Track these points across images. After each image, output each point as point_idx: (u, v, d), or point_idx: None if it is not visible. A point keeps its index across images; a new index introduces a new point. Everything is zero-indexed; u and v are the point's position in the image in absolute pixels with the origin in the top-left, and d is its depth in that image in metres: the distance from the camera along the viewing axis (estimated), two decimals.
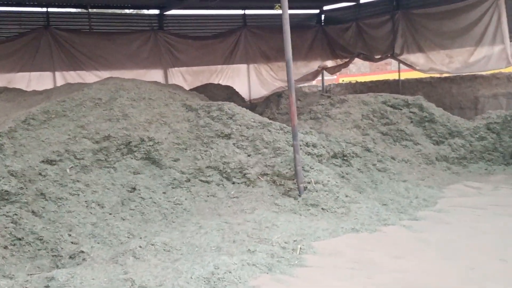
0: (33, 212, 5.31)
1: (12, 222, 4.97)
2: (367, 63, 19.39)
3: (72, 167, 6.08)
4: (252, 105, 11.86)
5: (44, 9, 10.94)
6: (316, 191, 6.18)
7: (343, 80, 18.72)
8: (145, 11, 12.83)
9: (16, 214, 5.06)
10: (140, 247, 4.82)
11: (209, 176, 6.69)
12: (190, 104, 7.53)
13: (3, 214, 4.98)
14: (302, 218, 5.78)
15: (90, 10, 11.50)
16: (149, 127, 6.83)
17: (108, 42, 11.49)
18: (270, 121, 7.41)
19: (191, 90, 10.95)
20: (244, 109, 7.55)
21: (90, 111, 6.69)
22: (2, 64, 10.22)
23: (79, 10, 11.54)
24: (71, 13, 11.53)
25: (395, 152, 8.13)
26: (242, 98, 12.69)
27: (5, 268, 4.41)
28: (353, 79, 17.25)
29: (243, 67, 13.89)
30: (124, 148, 6.52)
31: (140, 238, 5.26)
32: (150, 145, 6.62)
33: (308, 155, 6.98)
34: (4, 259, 4.55)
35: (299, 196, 6.21)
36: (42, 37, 10.74)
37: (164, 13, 12.50)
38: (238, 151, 6.92)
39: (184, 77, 12.75)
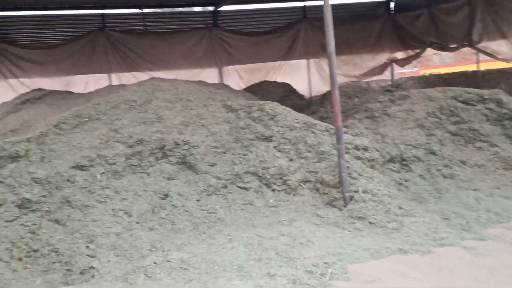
0: (56, 220, 5.11)
1: (29, 232, 4.77)
2: (451, 53, 17.73)
3: (103, 172, 5.84)
4: (308, 103, 11.13)
5: (100, 11, 11.05)
6: (364, 202, 5.40)
7: (424, 73, 17.20)
8: (199, 8, 12.57)
9: (34, 224, 4.87)
10: (155, 263, 4.40)
11: (247, 182, 6.15)
12: (231, 104, 7.03)
13: (22, 224, 4.80)
14: (344, 233, 5.05)
15: (144, 10, 11.44)
16: (184, 130, 6.44)
17: (162, 42, 11.39)
18: (316, 121, 6.69)
19: (245, 88, 10.50)
20: (288, 109, 6.90)
21: (124, 114, 6.43)
22: (60, 67, 10.47)
23: (133, 10, 11.53)
24: (125, 14, 11.56)
25: (466, 156, 7.03)
26: (301, 96, 12.01)
27: (12, 283, 4.19)
28: (435, 71, 15.78)
29: (302, 62, 13.18)
30: (158, 152, 6.18)
31: (163, 251, 4.85)
32: (185, 149, 6.22)
33: (358, 159, 6.18)
34: (14, 273, 4.34)
35: (344, 207, 5.47)
36: (98, 39, 10.86)
37: (218, 9, 12.15)
38: (279, 155, 6.31)
39: (240, 75, 12.34)
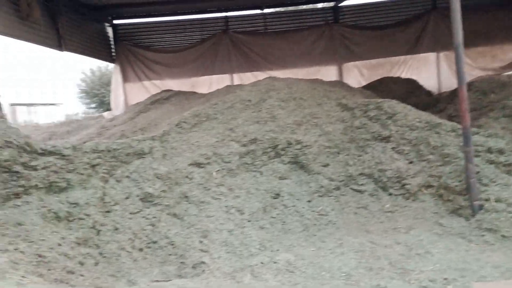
0: (174, 214, 5.40)
1: (150, 225, 5.12)
2: None
3: (218, 170, 6.04)
4: (435, 100, 10.25)
5: (224, 14, 11.51)
6: (497, 212, 4.78)
7: None
8: (320, 5, 12.38)
9: (155, 217, 5.20)
10: (262, 263, 4.41)
11: (362, 184, 5.87)
12: (346, 103, 6.77)
13: (144, 217, 5.17)
14: (470, 246, 4.52)
15: (264, 10, 11.63)
16: (297, 129, 6.37)
17: (281, 41, 11.48)
18: (441, 121, 6.11)
19: (365, 86, 10.08)
20: (409, 107, 6.41)
21: (240, 113, 6.58)
22: (187, 69, 11.15)
23: (254, 12, 11.80)
24: (247, 16, 11.88)
25: None
26: (428, 92, 11.13)
27: (132, 272, 4.52)
28: None
29: (431, 56, 12.21)
30: (271, 151, 6.20)
31: (271, 251, 4.84)
32: (297, 149, 6.15)
33: (491, 164, 5.49)
34: (135, 262, 4.68)
35: (472, 216, 4.90)
36: (222, 41, 11.33)
37: (339, 4, 11.83)
38: (397, 157, 5.90)
39: (361, 71, 11.88)
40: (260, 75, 11.24)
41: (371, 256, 4.44)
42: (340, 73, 11.72)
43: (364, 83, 11.34)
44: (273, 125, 6.37)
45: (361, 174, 5.92)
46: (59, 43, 8.50)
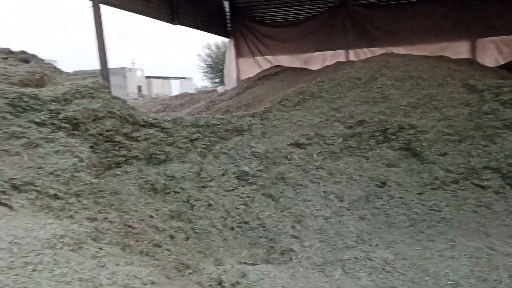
0: (269, 195, 5.19)
1: (243, 204, 4.97)
2: None
3: (319, 152, 5.67)
4: None
5: None
6: None
7: None
8: None
9: (249, 196, 5.04)
10: (356, 258, 4.00)
11: (485, 179, 5.06)
12: (474, 84, 5.85)
13: (237, 195, 5.04)
14: None
15: None
16: (412, 112, 5.68)
17: (405, 14, 10.46)
18: None
19: (502, 65, 8.74)
20: None
21: (347, 92, 6.08)
22: (301, 45, 10.78)
23: None
24: None
25: None
26: None
27: (220, 251, 4.42)
28: None
29: None
30: (379, 135, 5.64)
31: (369, 245, 4.39)
32: (410, 134, 5.51)
33: None
34: (224, 241, 4.57)
35: None
36: (339, 15, 10.69)
37: None
38: None
39: (499, 48, 10.33)
40: (378, 52, 10.39)
41: (487, 265, 3.76)
42: (473, 51, 10.33)
43: (502, 62, 9.87)
44: (384, 106, 5.76)
45: (485, 167, 5.09)
46: (172, 17, 8.71)
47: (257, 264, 4.16)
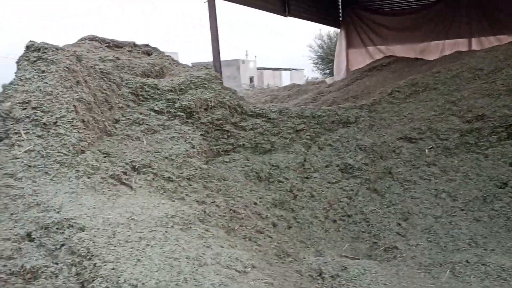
0: (374, 190, 5.05)
1: (346, 197, 4.89)
2: None
3: (431, 147, 5.35)
4: None
5: None
6: None
7: None
8: None
9: (352, 190, 4.95)
10: (467, 262, 3.72)
11: None
12: None
13: (341, 188, 4.97)
14: None
15: None
16: None
17: None
18: None
19: None
20: None
21: (466, 84, 5.62)
22: (417, 34, 10.20)
23: None
24: None
25: None
26: None
27: (321, 242, 4.41)
28: None
29: None
30: (502, 131, 5.15)
31: (484, 249, 4.06)
32: None
33: None
34: (326, 233, 4.55)
35: None
36: (461, 1, 9.87)
37: None
38: None
39: None
40: (506, 41, 9.44)
41: None
42: None
43: None
44: (509, 100, 5.23)
45: None
46: (284, 8, 8.77)
47: (359, 259, 4.08)
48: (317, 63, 38.46)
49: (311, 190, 4.96)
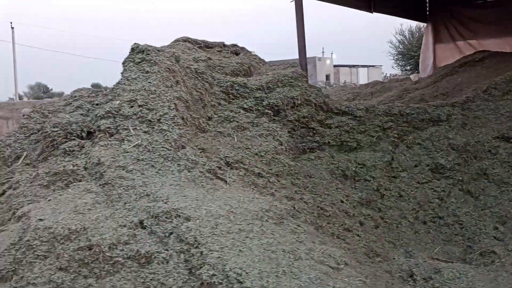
0: (468, 191, 4.82)
1: (438, 198, 4.71)
2: None
3: None
4: None
5: None
6: None
7: None
8: None
9: (444, 191, 4.75)
10: None
11: None
12: None
13: (432, 188, 4.79)
14: None
15: None
16: None
17: None
18: None
19: None
20: None
21: None
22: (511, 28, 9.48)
23: None
24: None
25: None
26: None
27: (411, 243, 4.29)
28: None
29: None
30: None
31: None
32: None
33: None
34: (416, 234, 4.42)
35: None
36: None
37: None
38: None
39: None
40: None
41: None
42: None
43: None
44: None
45: None
46: (369, 4, 8.59)
47: (452, 262, 3.94)
48: (397, 59, 37.17)
49: (399, 190, 4.84)
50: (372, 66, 53.05)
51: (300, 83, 5.02)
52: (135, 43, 3.89)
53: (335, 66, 50.23)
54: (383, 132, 5.27)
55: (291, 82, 4.96)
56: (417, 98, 6.84)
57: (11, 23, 38.94)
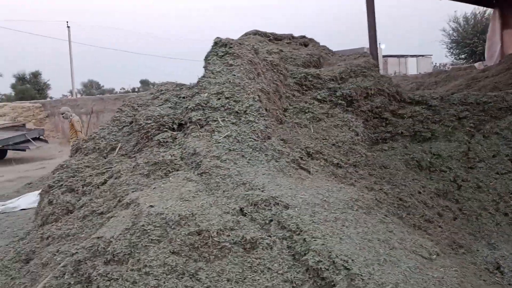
0: None
1: None
2: None
3: None
4: None
5: None
6: None
7: None
8: None
9: None
10: None
11: None
12: None
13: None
14: None
15: None
16: None
17: None
18: None
19: None
20: None
21: None
22: None
23: None
24: None
25: None
26: None
27: (493, 235, 4.18)
28: None
29: None
30: None
31: None
32: None
33: None
34: (497, 226, 4.28)
35: None
36: None
37: None
38: None
39: None
40: None
41: None
42: None
43: None
44: None
45: None
46: None
47: None
48: (451, 48, 35.74)
49: (477, 180, 4.72)
50: (422, 56, 51.32)
51: (373, 72, 4.98)
52: (218, 37, 3.99)
53: (383, 56, 48.98)
54: (459, 122, 5.14)
55: (364, 72, 4.93)
56: (489, 86, 6.59)
57: (67, 22, 40.55)
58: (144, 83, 52.68)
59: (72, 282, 2.34)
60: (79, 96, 36.99)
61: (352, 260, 2.25)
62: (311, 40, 5.84)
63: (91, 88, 52.98)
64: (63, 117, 10.95)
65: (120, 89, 50.66)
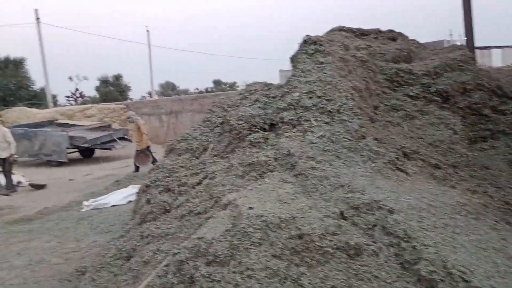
0: None
1: None
2: None
3: None
4: None
5: None
6: None
7: None
8: None
9: None
10: None
11: None
12: None
13: None
14: None
15: None
16: None
17: None
18: None
19: None
20: None
21: None
22: None
23: None
24: None
25: None
26: None
27: None
28: None
29: None
30: None
31: None
32: None
33: None
34: None
35: None
36: None
37: None
38: None
39: None
40: None
41: None
42: None
43: None
44: None
45: None
46: None
47: None
48: None
49: None
50: (508, 46, 47.58)
51: (471, 66, 4.63)
52: (307, 35, 3.91)
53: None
54: None
55: (461, 65, 4.60)
56: None
57: (146, 26, 42.40)
58: (217, 83, 53.90)
59: (175, 282, 2.37)
60: (156, 97, 38.55)
61: (471, 271, 2.06)
62: (400, 34, 5.55)
63: (167, 89, 55.03)
64: (129, 121, 11.65)
65: (194, 89, 52.21)
